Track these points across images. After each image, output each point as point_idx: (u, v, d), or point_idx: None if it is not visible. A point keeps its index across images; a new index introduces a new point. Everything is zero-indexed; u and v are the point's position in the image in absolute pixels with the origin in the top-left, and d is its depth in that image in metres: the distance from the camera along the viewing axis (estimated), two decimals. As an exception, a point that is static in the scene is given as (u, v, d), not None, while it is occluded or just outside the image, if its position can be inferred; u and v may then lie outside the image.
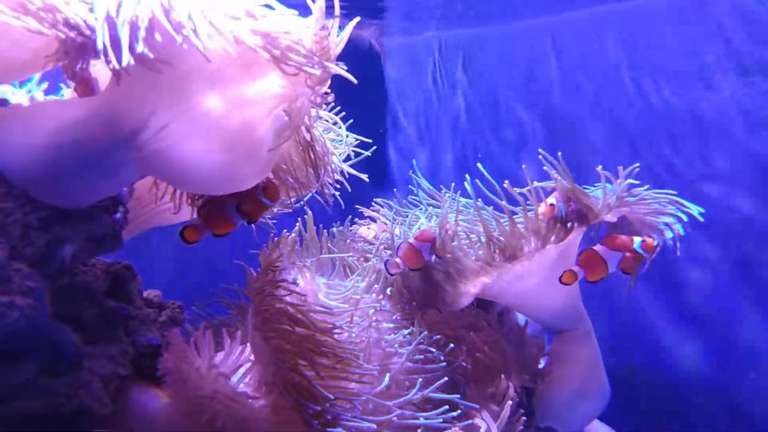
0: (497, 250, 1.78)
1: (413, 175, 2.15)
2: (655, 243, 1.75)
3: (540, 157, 1.81)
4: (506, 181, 1.84)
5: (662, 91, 3.49)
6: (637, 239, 1.72)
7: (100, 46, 1.09)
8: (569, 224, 1.77)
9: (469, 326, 1.95)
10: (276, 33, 1.23)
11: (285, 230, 1.76)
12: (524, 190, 1.83)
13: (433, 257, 1.85)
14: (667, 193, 1.84)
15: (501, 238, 1.80)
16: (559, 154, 1.79)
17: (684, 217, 1.79)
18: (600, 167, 1.78)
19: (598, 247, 1.73)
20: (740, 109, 3.11)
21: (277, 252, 1.59)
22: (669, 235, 1.79)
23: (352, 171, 1.77)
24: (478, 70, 4.71)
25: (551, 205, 1.78)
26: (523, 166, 1.82)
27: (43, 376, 1.27)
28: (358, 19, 1.34)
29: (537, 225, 1.77)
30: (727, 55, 3.20)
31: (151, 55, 1.12)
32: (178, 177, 1.39)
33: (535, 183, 1.82)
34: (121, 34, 1.10)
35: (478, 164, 1.92)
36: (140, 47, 1.11)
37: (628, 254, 1.71)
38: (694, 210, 1.81)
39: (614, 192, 1.76)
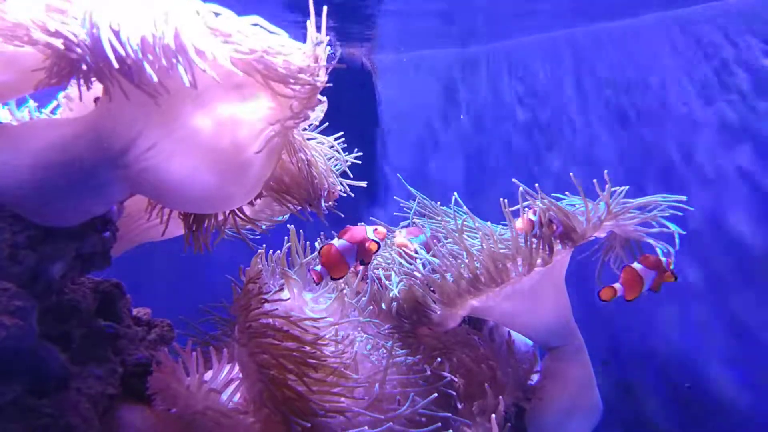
0: (484, 272, 1.78)
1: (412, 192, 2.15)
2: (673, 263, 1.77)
3: (522, 189, 1.82)
4: (503, 199, 1.83)
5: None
6: (665, 259, 1.74)
7: (114, 63, 1.10)
8: (556, 246, 1.77)
9: (460, 343, 1.94)
10: (267, 53, 1.24)
11: (262, 246, 1.77)
12: (513, 208, 1.83)
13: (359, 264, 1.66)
14: (650, 201, 1.83)
15: (488, 261, 1.80)
16: (537, 185, 1.80)
17: (673, 229, 1.80)
18: (573, 177, 1.78)
19: (636, 266, 1.73)
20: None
21: (257, 268, 1.60)
22: (675, 231, 1.80)
23: (351, 182, 1.80)
24: (470, 88, 4.75)
25: (530, 220, 1.77)
26: (521, 187, 1.82)
27: (30, 396, 1.27)
28: (324, 43, 1.35)
29: (524, 249, 1.76)
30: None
31: (155, 78, 1.12)
32: (167, 195, 1.40)
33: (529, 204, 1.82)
34: (127, 53, 1.10)
35: (455, 194, 1.92)
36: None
37: (667, 274, 1.73)
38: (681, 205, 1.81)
39: (596, 211, 1.77)
